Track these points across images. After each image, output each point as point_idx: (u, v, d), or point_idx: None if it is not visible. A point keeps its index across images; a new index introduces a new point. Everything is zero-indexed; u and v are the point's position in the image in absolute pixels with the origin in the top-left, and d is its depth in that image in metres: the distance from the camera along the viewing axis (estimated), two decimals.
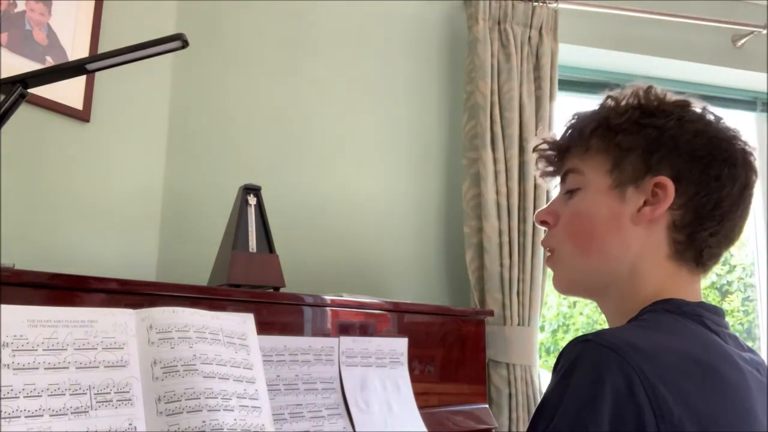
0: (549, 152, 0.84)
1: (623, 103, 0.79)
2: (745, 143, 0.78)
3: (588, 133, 0.79)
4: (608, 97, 0.82)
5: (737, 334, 0.76)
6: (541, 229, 1.90)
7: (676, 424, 0.58)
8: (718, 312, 0.74)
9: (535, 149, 0.87)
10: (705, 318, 0.71)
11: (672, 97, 0.80)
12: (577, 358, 0.61)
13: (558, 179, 0.84)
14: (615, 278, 0.77)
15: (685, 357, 0.63)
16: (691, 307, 0.72)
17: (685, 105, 0.79)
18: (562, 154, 0.83)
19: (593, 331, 0.65)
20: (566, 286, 0.83)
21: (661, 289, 0.74)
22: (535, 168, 0.88)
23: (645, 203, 0.75)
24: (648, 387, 0.58)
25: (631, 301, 0.75)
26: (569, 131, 0.82)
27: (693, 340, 0.67)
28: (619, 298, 0.77)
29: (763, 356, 2.51)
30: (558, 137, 0.84)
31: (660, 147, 0.75)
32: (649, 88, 0.81)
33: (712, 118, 0.78)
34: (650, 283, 0.75)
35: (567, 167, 0.82)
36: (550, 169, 0.85)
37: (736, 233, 0.77)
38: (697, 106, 0.79)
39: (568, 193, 0.81)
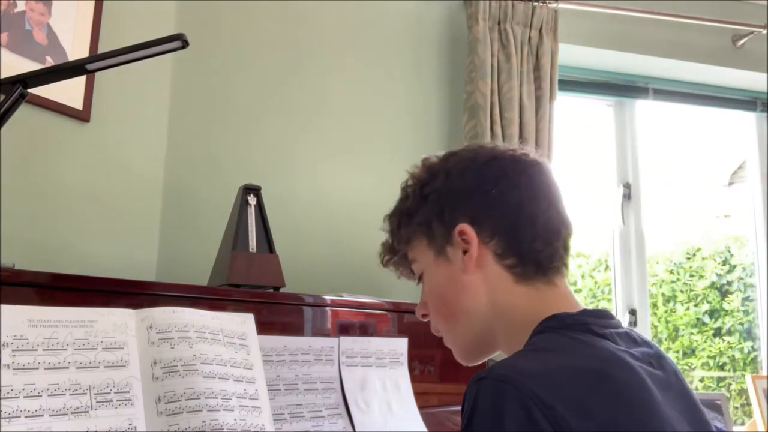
0: (391, 258, 0.93)
1: (408, 184, 0.89)
2: (509, 149, 0.84)
3: (398, 230, 0.89)
4: (401, 186, 0.91)
5: (629, 329, 0.79)
6: None
7: None
8: (603, 314, 0.77)
9: (383, 264, 0.95)
10: (591, 324, 0.73)
11: (439, 155, 0.88)
12: (476, 399, 0.64)
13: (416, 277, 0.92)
14: (489, 326, 0.82)
15: (576, 371, 0.66)
16: (574, 317, 0.75)
17: (448, 157, 0.86)
18: (398, 254, 0.92)
19: (487, 367, 0.67)
20: (464, 356, 0.88)
21: (533, 310, 0.77)
22: (397, 276, 0.96)
23: (464, 253, 0.80)
24: (545, 409, 0.60)
25: (515, 333, 0.78)
26: (390, 234, 0.92)
27: (582, 353, 0.69)
28: (505, 338, 0.82)
29: (764, 356, 2.51)
30: (386, 244, 0.93)
31: (444, 204, 0.82)
32: (423, 160, 0.89)
33: (469, 152, 0.86)
34: (518, 312, 0.79)
35: (409, 261, 0.90)
36: (404, 269, 0.93)
37: (557, 222, 0.81)
38: (459, 153, 0.86)
39: (419, 280, 0.90)
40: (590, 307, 0.80)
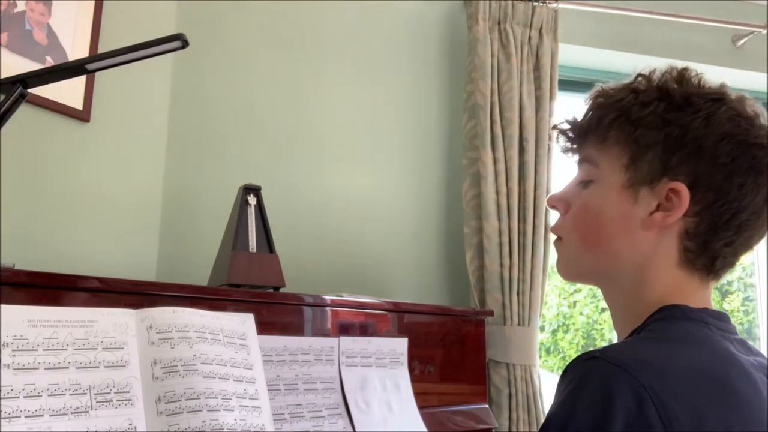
0: (569, 132, 0.80)
1: (652, 87, 0.73)
2: None
3: (607, 123, 0.74)
4: (638, 75, 0.75)
5: (744, 338, 0.74)
6: (542, 229, 1.92)
7: None
8: (723, 318, 0.72)
9: (554, 126, 0.82)
10: (711, 324, 0.69)
11: (707, 86, 0.73)
12: (585, 376, 0.59)
13: (576, 159, 0.81)
14: (620, 278, 0.74)
15: (696, 370, 0.61)
16: (697, 313, 0.69)
17: (718, 99, 0.71)
18: (581, 137, 0.79)
19: (599, 347, 0.62)
20: (570, 275, 0.81)
21: (667, 295, 0.71)
22: (555, 142, 0.83)
23: (658, 207, 0.71)
24: (659, 404, 0.56)
25: (636, 304, 0.73)
26: (590, 114, 0.77)
27: (703, 351, 0.65)
28: (623, 298, 0.75)
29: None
30: (579, 120, 0.79)
31: (681, 148, 0.70)
32: (684, 70, 0.73)
33: (747, 115, 0.72)
34: (657, 289, 0.72)
35: (583, 155, 0.78)
36: (570, 147, 0.81)
37: (755, 242, 0.73)
38: (733, 99, 0.72)
39: (582, 182, 0.78)
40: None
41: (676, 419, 0.56)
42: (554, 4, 2.08)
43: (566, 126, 0.80)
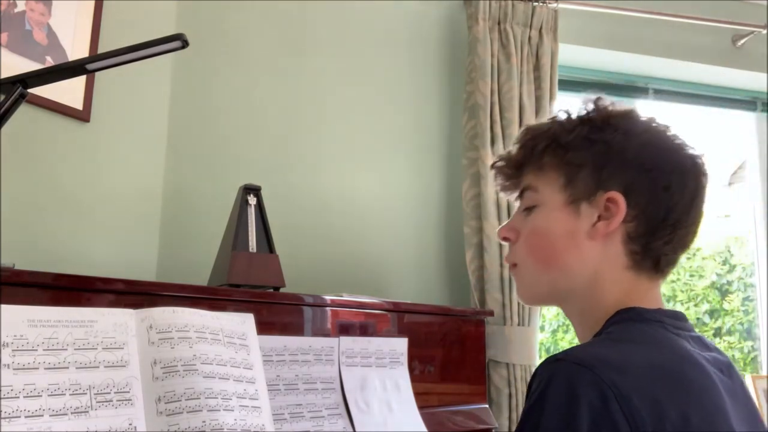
0: (506, 169, 0.87)
1: (573, 117, 0.81)
2: (693, 149, 0.80)
3: (540, 151, 0.81)
4: (560, 110, 0.83)
5: (701, 335, 0.78)
6: None
7: None
8: (678, 316, 0.76)
9: (492, 166, 0.89)
10: (666, 323, 0.73)
11: (619, 108, 0.81)
12: (551, 379, 0.63)
13: (516, 194, 0.87)
14: (576, 290, 0.79)
15: (654, 365, 0.65)
16: (652, 313, 0.74)
17: (631, 117, 0.80)
18: (518, 171, 0.85)
19: (564, 350, 0.66)
20: (530, 298, 0.86)
21: (622, 299, 0.76)
22: (494, 183, 0.90)
23: (599, 218, 0.77)
24: (621, 399, 0.59)
25: (594, 311, 0.78)
26: (523, 148, 0.84)
27: (659, 348, 0.69)
28: (582, 309, 0.80)
29: (764, 356, 2.52)
30: (513, 154, 0.86)
31: (608, 161, 0.77)
32: (597, 99, 0.82)
33: (659, 128, 0.80)
34: (611, 294, 0.77)
35: (523, 184, 0.84)
36: (509, 184, 0.87)
37: (690, 238, 0.79)
38: (643, 117, 0.81)
39: (527, 209, 0.83)
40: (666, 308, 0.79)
41: (638, 412, 0.59)
42: (554, 4, 2.08)
43: (502, 163, 0.87)
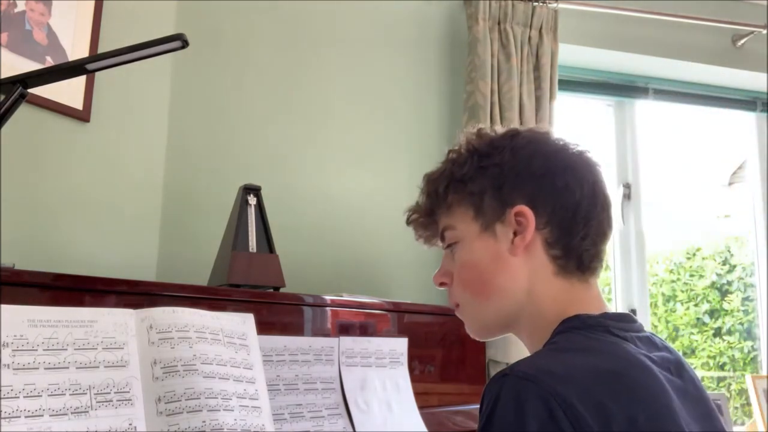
0: (420, 220, 0.91)
1: (462, 152, 0.85)
2: (577, 145, 0.84)
3: (443, 192, 0.86)
4: (449, 151, 0.88)
5: (650, 333, 0.80)
6: None
7: None
8: (624, 318, 0.78)
9: (408, 222, 0.93)
10: (611, 327, 0.75)
11: (500, 131, 0.86)
12: (498, 395, 0.64)
13: (438, 240, 0.90)
14: (518, 309, 0.81)
15: (597, 371, 0.67)
16: (596, 319, 0.76)
17: (513, 135, 0.85)
18: (431, 217, 0.89)
19: (510, 365, 0.68)
20: (479, 330, 0.88)
21: (562, 306, 0.78)
22: (416, 237, 0.94)
23: (515, 234, 0.80)
24: (565, 408, 0.61)
25: (540, 324, 0.79)
26: (428, 195, 0.88)
27: (603, 354, 0.71)
28: (528, 326, 0.82)
29: (764, 356, 2.51)
30: (421, 204, 0.90)
31: (505, 181, 0.81)
32: (479, 130, 0.87)
33: (539, 136, 0.85)
34: (549, 303, 0.79)
35: (441, 227, 0.88)
36: (428, 233, 0.91)
37: (606, 226, 0.82)
38: (524, 130, 0.85)
39: (450, 249, 0.87)
40: (611, 310, 0.81)
41: (583, 418, 0.61)
42: (554, 4, 2.08)
43: (415, 215, 0.91)
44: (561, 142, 0.84)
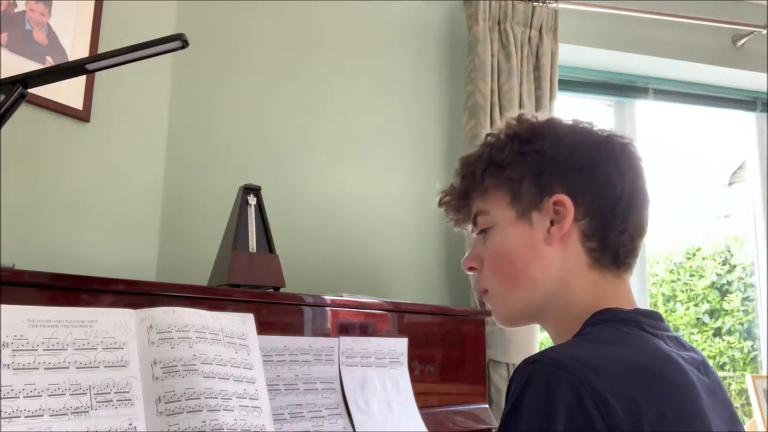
0: (453, 202, 0.89)
1: (501, 137, 0.84)
2: (622, 137, 0.82)
3: (480, 176, 0.84)
4: (487, 135, 0.86)
5: (678, 335, 0.79)
6: None
7: (626, 431, 0.60)
8: (655, 316, 0.77)
9: (439, 204, 0.91)
10: (643, 323, 0.74)
11: (541, 118, 0.85)
12: (528, 381, 0.64)
13: (470, 224, 0.89)
14: (547, 300, 0.80)
15: (629, 364, 0.66)
16: (628, 314, 0.75)
17: (554, 123, 0.83)
18: (465, 200, 0.87)
19: (539, 351, 0.68)
20: (506, 318, 0.86)
21: (594, 299, 0.77)
22: (447, 220, 0.92)
23: (551, 223, 0.79)
24: (597, 398, 0.60)
25: (569, 316, 0.78)
26: (464, 178, 0.87)
27: (635, 347, 0.70)
28: (557, 317, 0.81)
29: (763, 356, 2.51)
30: (456, 186, 0.88)
31: (545, 168, 0.80)
32: (520, 116, 0.85)
33: (583, 126, 0.83)
34: (581, 296, 0.78)
35: (474, 211, 0.86)
36: (460, 216, 0.90)
37: (644, 222, 0.81)
38: (567, 120, 0.84)
39: (482, 233, 0.85)
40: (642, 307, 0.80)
41: (614, 410, 0.60)
42: (554, 4, 2.08)
43: (448, 197, 0.89)
44: (605, 134, 0.82)
